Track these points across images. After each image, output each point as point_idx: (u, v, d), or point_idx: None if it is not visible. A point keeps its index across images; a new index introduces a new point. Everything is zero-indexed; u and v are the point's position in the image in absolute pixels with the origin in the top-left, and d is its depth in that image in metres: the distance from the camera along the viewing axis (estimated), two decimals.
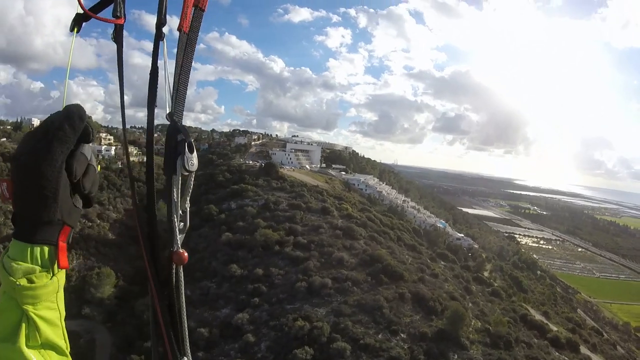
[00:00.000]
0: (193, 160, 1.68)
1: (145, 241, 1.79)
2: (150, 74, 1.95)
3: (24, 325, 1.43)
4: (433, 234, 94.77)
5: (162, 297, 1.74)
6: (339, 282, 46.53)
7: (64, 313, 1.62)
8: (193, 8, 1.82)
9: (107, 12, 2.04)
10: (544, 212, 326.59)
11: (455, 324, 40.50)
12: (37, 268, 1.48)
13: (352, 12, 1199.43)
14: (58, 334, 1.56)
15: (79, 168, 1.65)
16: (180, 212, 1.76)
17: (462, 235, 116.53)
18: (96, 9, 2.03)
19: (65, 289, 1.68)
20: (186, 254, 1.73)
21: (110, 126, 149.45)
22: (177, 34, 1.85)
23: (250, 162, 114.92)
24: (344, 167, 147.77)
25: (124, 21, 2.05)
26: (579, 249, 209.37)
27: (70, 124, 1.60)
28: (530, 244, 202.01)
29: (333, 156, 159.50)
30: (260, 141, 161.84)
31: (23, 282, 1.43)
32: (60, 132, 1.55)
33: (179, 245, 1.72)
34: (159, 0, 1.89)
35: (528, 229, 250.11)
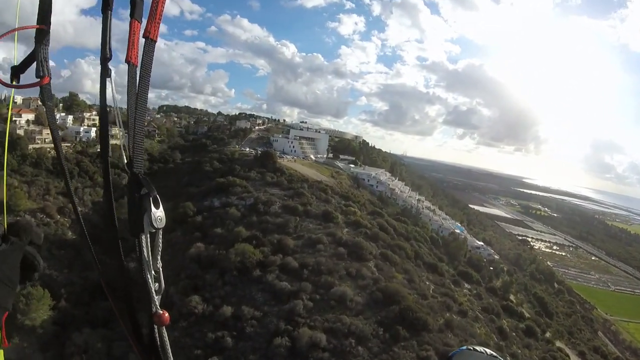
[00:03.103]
0: (161, 216, 1.59)
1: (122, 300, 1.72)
2: (99, 117, 1.84)
3: None
4: (452, 245, 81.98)
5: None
6: (338, 337, 32.33)
7: None
8: (143, 39, 1.66)
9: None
10: (555, 214, 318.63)
11: None
12: None
13: None
14: None
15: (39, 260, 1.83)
16: (154, 272, 1.67)
17: (481, 243, 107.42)
18: (20, 69, 1.94)
19: None
20: (167, 314, 1.66)
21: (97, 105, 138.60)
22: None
23: (247, 149, 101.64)
24: (353, 158, 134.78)
25: (49, 80, 1.89)
26: (593, 258, 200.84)
27: None
28: (543, 249, 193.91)
29: (341, 146, 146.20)
30: (265, 126, 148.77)
31: None
32: None
33: (158, 307, 1.64)
34: (102, 30, 1.81)
35: (540, 232, 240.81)
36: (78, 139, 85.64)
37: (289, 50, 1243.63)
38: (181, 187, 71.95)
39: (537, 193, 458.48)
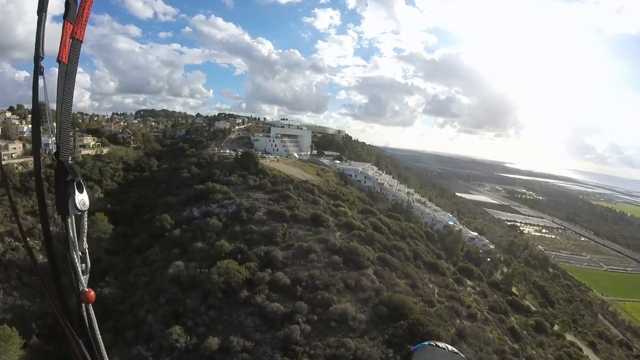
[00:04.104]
0: (84, 200, 1.81)
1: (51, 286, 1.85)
2: (32, 112, 1.98)
3: None
4: (448, 239, 78.46)
5: (80, 345, 1.80)
6: None
7: None
8: (71, 39, 1.81)
9: None
10: (540, 197, 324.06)
11: None
12: None
13: None
14: None
15: None
16: (80, 252, 1.87)
17: (475, 233, 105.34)
18: None
19: None
20: (92, 292, 1.82)
21: (83, 112, 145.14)
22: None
23: (227, 151, 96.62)
24: (338, 154, 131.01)
25: None
26: (582, 238, 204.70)
27: None
28: (533, 233, 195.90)
29: (325, 141, 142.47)
30: (245, 125, 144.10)
31: None
32: None
33: (85, 285, 1.82)
34: (37, 32, 1.88)
35: (528, 216, 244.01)
36: (47, 152, 79.23)
37: (265, 47, 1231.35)
38: (158, 196, 66.84)
39: (521, 177, 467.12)
